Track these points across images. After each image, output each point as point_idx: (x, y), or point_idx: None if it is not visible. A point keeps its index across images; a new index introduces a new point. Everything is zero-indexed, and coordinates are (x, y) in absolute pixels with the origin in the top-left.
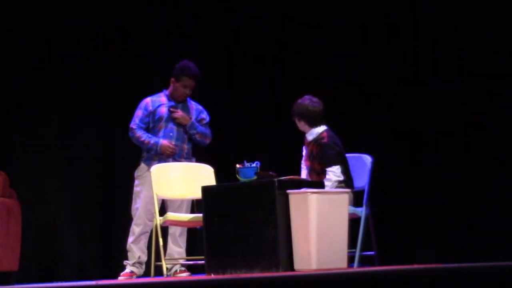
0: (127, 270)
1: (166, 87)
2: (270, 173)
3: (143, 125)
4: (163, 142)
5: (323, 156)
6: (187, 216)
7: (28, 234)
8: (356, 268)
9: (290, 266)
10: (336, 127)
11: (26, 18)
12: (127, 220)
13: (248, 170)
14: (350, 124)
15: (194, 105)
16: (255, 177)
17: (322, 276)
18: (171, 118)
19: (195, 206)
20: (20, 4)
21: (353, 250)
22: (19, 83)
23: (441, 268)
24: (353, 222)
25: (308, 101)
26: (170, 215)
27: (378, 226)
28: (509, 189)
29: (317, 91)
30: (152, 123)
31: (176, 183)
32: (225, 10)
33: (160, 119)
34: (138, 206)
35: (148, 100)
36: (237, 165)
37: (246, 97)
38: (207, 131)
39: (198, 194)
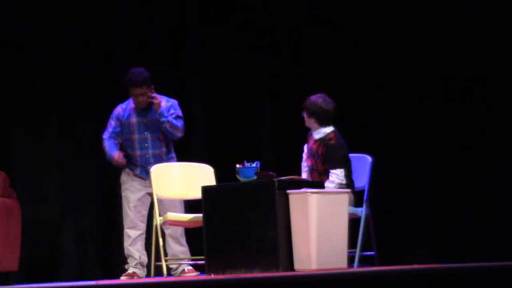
0: (129, 271)
1: (166, 88)
2: (270, 173)
3: (114, 135)
4: (114, 154)
5: (329, 157)
6: (187, 216)
7: (28, 234)
8: (356, 268)
9: (290, 266)
10: (336, 127)
11: (26, 18)
12: None
13: (248, 170)
14: (350, 124)
15: (165, 103)
16: (255, 177)
17: (322, 276)
18: (142, 123)
19: None
20: (20, 5)
21: (353, 250)
22: (19, 83)
23: (441, 268)
24: (353, 222)
25: (321, 99)
26: (170, 215)
27: (378, 226)
28: (509, 190)
29: (317, 90)
30: (126, 135)
31: (176, 183)
32: (226, 8)
33: (132, 132)
34: (127, 211)
35: (119, 109)
36: (237, 165)
37: (246, 97)
38: (178, 123)
39: (198, 194)
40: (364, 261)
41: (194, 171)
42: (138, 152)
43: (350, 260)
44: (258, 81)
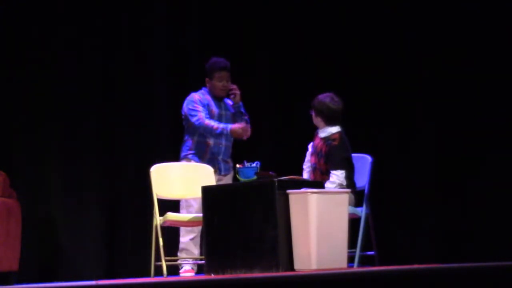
0: (189, 267)
1: (169, 84)
2: (270, 173)
3: (206, 115)
4: (232, 126)
5: (331, 158)
6: (187, 216)
7: (28, 234)
8: (356, 268)
9: (290, 266)
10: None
11: (25, 17)
12: (127, 219)
13: (248, 170)
14: (350, 124)
15: (231, 102)
16: (255, 177)
17: (322, 276)
18: (219, 114)
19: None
20: (19, 4)
21: (353, 250)
22: (19, 82)
23: (441, 268)
24: (353, 222)
25: (329, 98)
26: (170, 215)
27: (378, 226)
28: (509, 190)
29: (317, 91)
30: None
31: (176, 183)
32: (225, 8)
33: (212, 118)
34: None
35: (197, 96)
36: (237, 165)
37: (247, 97)
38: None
39: (198, 194)
40: (364, 261)
41: (194, 171)
42: (212, 141)
43: (350, 260)
44: (258, 80)
